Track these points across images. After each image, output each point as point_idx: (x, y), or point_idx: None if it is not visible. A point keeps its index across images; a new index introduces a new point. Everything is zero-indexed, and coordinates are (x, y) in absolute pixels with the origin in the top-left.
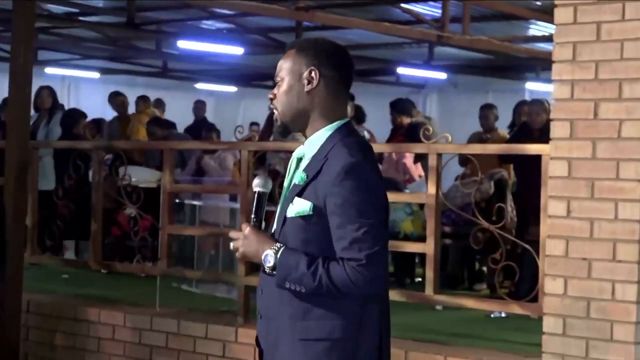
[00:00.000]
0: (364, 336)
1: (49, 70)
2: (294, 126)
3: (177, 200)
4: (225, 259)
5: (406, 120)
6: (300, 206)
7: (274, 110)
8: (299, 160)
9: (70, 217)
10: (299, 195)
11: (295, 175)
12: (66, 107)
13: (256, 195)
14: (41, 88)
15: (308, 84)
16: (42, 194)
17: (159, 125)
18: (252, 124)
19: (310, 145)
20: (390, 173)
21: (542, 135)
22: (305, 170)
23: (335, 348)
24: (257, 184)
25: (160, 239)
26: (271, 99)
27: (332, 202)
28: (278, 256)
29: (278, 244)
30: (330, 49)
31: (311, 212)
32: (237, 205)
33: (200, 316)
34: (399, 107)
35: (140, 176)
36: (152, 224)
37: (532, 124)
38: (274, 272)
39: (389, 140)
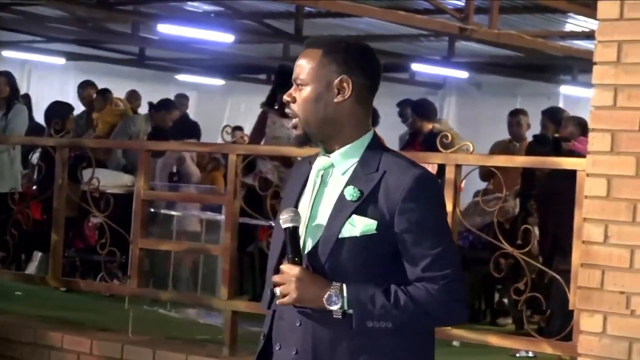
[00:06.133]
0: None
1: (6, 53)
2: (318, 136)
3: (151, 210)
4: (206, 278)
5: (427, 126)
6: (364, 225)
7: (293, 117)
8: (324, 174)
9: (27, 225)
10: (357, 213)
11: (331, 190)
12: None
13: (288, 232)
14: None
15: (338, 94)
16: None
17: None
18: (236, 128)
19: (341, 159)
20: None
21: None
22: (353, 185)
23: None
24: (285, 220)
25: (131, 254)
26: (288, 102)
27: (405, 219)
28: (345, 295)
29: (335, 282)
30: (362, 54)
31: (376, 232)
32: (220, 217)
33: (180, 345)
34: (424, 111)
35: (109, 180)
36: (122, 236)
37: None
38: (339, 315)
39: (405, 148)
